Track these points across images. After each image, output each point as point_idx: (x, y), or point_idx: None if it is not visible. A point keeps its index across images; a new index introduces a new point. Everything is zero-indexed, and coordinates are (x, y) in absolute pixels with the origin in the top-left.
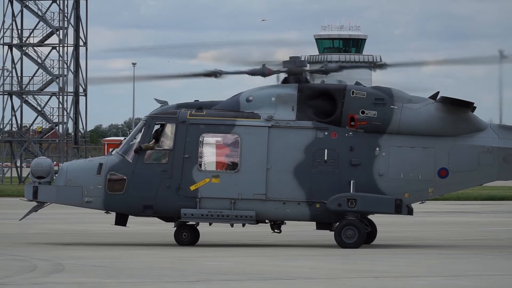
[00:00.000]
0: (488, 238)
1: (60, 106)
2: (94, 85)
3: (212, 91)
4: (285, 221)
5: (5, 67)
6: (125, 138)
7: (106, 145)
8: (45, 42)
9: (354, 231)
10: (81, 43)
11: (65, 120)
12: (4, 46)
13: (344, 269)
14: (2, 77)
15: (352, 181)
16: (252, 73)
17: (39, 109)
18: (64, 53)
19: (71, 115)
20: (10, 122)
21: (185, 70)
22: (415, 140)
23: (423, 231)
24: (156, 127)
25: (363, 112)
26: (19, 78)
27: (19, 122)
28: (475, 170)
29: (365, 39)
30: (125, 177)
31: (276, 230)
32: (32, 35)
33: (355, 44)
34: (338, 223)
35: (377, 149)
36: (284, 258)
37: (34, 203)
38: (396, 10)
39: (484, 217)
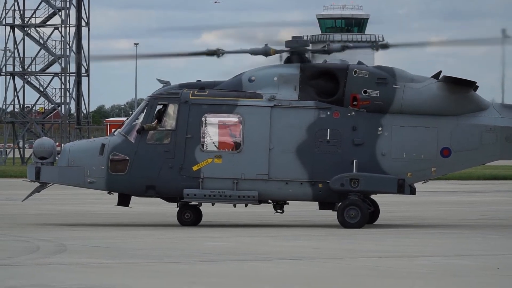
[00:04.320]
0: (491, 217)
1: (63, 86)
2: (96, 61)
3: (214, 71)
4: (287, 201)
5: (7, 48)
6: (127, 119)
7: (108, 125)
8: (47, 23)
9: (357, 211)
10: (83, 23)
11: (67, 101)
12: (6, 26)
13: (347, 249)
14: (4, 58)
15: (354, 161)
16: (255, 52)
17: (42, 89)
18: (66, 34)
19: (74, 95)
20: (12, 103)
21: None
22: (418, 120)
23: (426, 211)
24: (159, 107)
25: (365, 92)
26: (21, 58)
27: (21, 102)
28: (477, 149)
29: (367, 19)
30: (127, 158)
31: (278, 210)
32: (34, 16)
33: (358, 23)
34: (340, 203)
35: (380, 128)
36: (287, 238)
37: (37, 184)
38: None
39: (487, 196)
